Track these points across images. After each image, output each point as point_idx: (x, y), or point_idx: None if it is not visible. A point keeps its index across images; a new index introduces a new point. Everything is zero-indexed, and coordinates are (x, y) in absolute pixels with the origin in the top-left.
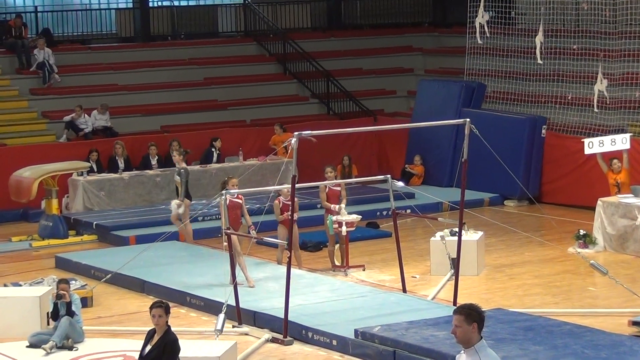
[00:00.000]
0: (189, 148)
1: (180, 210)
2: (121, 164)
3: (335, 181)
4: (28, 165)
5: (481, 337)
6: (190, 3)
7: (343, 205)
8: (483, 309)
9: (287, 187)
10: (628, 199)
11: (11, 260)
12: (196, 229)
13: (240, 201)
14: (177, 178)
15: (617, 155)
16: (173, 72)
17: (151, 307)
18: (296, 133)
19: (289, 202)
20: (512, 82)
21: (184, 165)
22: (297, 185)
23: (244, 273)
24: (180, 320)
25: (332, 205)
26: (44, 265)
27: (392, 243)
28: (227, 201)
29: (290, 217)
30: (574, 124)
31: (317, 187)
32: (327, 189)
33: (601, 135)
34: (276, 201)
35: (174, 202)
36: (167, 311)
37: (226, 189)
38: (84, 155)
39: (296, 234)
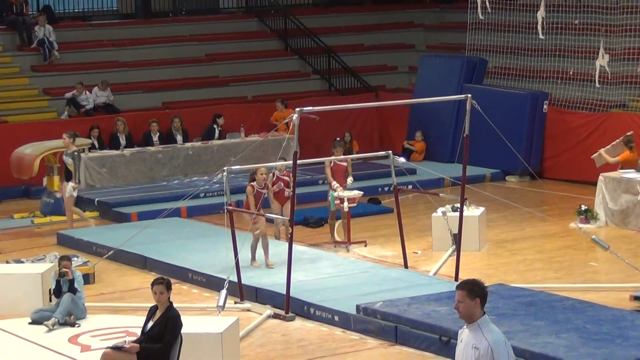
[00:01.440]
0: (191, 124)
1: (75, 194)
2: (122, 141)
3: (341, 157)
4: (29, 142)
5: (484, 313)
6: None
7: (350, 180)
8: (485, 284)
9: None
10: (630, 174)
11: (13, 237)
12: (198, 206)
13: (264, 191)
14: (69, 161)
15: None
16: (174, 48)
17: (152, 284)
18: (297, 109)
19: (283, 177)
20: (513, 57)
21: (74, 148)
22: (298, 162)
23: (265, 255)
24: (183, 296)
25: (333, 183)
26: (46, 242)
27: (393, 219)
28: (255, 191)
29: (292, 193)
30: (576, 99)
31: (318, 163)
32: (332, 164)
33: (602, 111)
34: (270, 174)
35: (70, 185)
36: (168, 288)
37: (255, 180)
38: (86, 132)
39: (280, 208)
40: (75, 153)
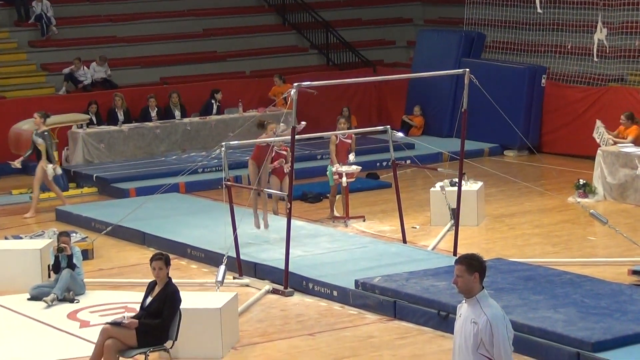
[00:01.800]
0: (189, 99)
1: (58, 171)
2: (120, 116)
3: (346, 131)
4: (27, 118)
5: (482, 287)
6: None
7: (352, 156)
8: (484, 259)
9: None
10: (628, 148)
11: (12, 213)
12: (196, 181)
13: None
14: (39, 140)
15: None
16: (172, 23)
17: (151, 260)
18: (295, 84)
19: (281, 152)
20: (511, 31)
21: (44, 128)
22: (296, 137)
23: (265, 216)
24: (181, 272)
25: (336, 165)
26: (45, 218)
27: (392, 194)
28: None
29: (290, 168)
30: (574, 73)
31: (317, 138)
32: (337, 141)
33: (600, 85)
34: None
35: (50, 167)
36: (167, 263)
37: (266, 133)
38: (83, 107)
39: (279, 183)
40: (45, 133)
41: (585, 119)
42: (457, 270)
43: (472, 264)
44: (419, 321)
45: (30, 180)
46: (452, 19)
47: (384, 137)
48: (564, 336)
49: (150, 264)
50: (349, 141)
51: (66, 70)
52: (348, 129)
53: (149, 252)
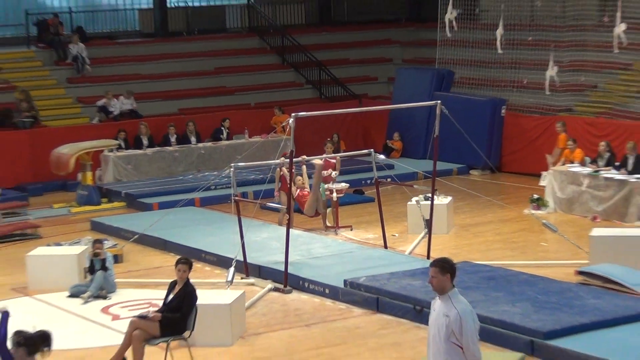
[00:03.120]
0: (203, 127)
1: None
2: (145, 142)
3: (331, 155)
4: (66, 144)
5: (453, 286)
6: (202, 3)
7: (335, 174)
8: (454, 262)
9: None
10: (575, 168)
11: (53, 224)
12: (209, 197)
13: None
14: None
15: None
16: (188, 62)
17: (177, 263)
18: (293, 114)
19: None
20: (476, 69)
21: None
22: (294, 159)
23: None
24: (197, 273)
25: (324, 171)
26: (81, 228)
27: (375, 207)
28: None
29: (289, 185)
30: (529, 105)
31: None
32: (323, 160)
33: (551, 114)
34: (278, 169)
35: None
36: (190, 267)
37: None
38: (113, 134)
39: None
40: None
41: (539, 144)
42: (432, 272)
43: (445, 267)
44: (398, 314)
45: (68, 196)
46: (426, 59)
47: (368, 159)
48: (520, 327)
49: (176, 266)
50: (333, 161)
51: (99, 103)
52: (334, 151)
53: (170, 257)
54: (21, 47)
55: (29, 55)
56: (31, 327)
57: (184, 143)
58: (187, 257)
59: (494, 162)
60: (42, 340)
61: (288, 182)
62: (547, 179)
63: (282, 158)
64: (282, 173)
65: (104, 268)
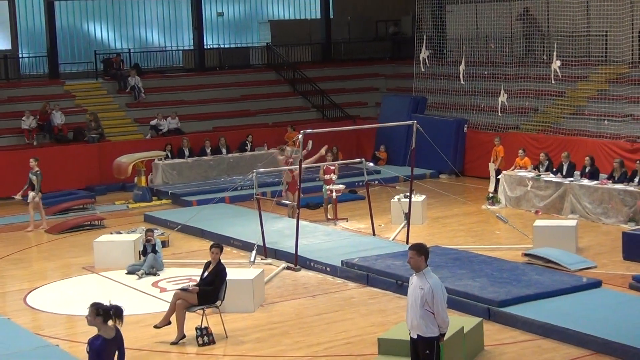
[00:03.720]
0: (232, 141)
1: (37, 199)
2: (187, 153)
3: (331, 162)
4: (125, 154)
5: (427, 265)
6: (232, 45)
7: (334, 177)
8: (428, 246)
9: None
10: (522, 172)
11: (114, 216)
12: (237, 195)
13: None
14: (34, 177)
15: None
16: (220, 91)
17: (211, 247)
18: (302, 131)
19: (295, 176)
20: (444, 96)
21: (37, 169)
22: (303, 166)
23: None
24: (226, 255)
25: (326, 175)
26: (137, 220)
27: (365, 203)
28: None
29: (299, 186)
30: (486, 124)
31: (316, 167)
32: (324, 167)
33: (503, 131)
34: (286, 173)
35: (31, 194)
36: (221, 250)
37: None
38: (162, 146)
39: (292, 196)
40: (38, 172)
41: (504, 151)
42: (410, 254)
43: (421, 250)
44: (383, 287)
45: (126, 195)
46: (405, 88)
47: (360, 166)
48: (479, 297)
49: (210, 249)
50: (333, 167)
51: (152, 123)
52: (333, 160)
53: (206, 242)
54: (91, 79)
55: (97, 86)
56: (107, 301)
57: (217, 153)
58: (219, 242)
59: (458, 168)
60: (115, 312)
61: (298, 184)
62: (492, 184)
63: (283, 147)
64: (292, 175)
65: (154, 251)
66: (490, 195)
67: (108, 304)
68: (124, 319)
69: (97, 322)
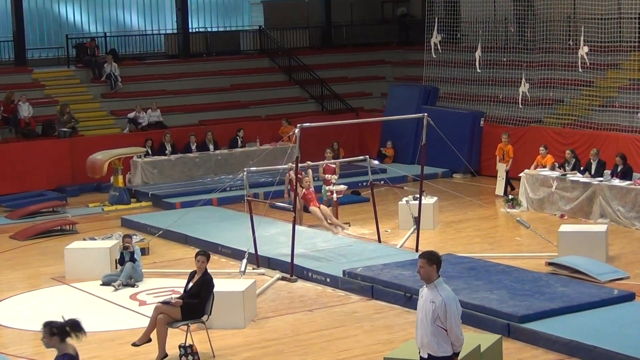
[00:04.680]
0: (220, 136)
1: None
2: (169, 149)
3: (331, 161)
4: (100, 151)
5: (439, 275)
6: (220, 29)
7: (334, 177)
8: (440, 254)
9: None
10: (545, 172)
11: (88, 220)
12: (225, 197)
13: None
14: None
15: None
16: (207, 80)
17: (197, 254)
18: (298, 125)
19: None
20: (458, 85)
21: None
22: (300, 164)
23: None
24: (213, 264)
25: (326, 175)
26: (113, 225)
27: (370, 206)
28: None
29: (295, 187)
30: (504, 117)
31: (315, 166)
32: (324, 165)
33: (524, 126)
34: (288, 174)
35: None
36: (208, 259)
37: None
38: (142, 142)
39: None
40: None
41: (513, 151)
42: (420, 263)
43: (432, 258)
44: (390, 300)
45: (101, 197)
46: (414, 77)
47: (364, 164)
48: (497, 311)
49: (195, 257)
50: (333, 166)
51: (130, 115)
52: (333, 157)
53: (191, 250)
54: (62, 66)
55: (69, 74)
56: (60, 317)
57: (203, 150)
58: (205, 249)
59: (474, 166)
60: (72, 328)
61: (294, 184)
62: (502, 187)
63: (290, 164)
64: (291, 177)
65: (133, 260)
66: (510, 197)
67: (62, 320)
68: (85, 331)
69: (53, 342)
